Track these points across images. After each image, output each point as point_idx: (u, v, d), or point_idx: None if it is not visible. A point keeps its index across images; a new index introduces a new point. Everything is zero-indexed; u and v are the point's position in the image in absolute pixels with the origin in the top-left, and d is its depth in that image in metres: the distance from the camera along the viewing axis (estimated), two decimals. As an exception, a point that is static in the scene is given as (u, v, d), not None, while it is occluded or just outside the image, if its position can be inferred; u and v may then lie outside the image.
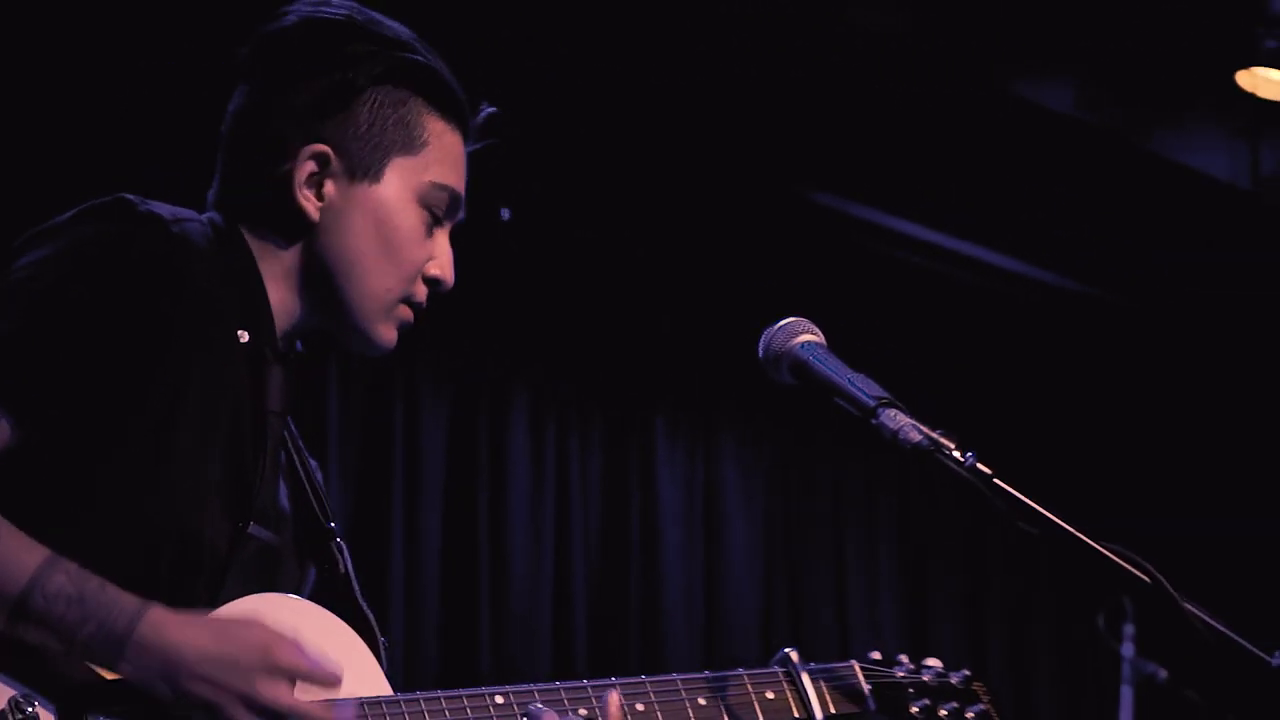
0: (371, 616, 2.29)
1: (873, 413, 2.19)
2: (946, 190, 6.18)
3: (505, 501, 5.95)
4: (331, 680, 2.07)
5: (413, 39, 2.33)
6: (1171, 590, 2.05)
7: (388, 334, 2.31)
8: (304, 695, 2.06)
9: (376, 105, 2.27)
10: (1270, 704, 2.08)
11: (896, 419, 2.17)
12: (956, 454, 2.13)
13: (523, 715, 2.23)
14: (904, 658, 2.53)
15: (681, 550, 6.32)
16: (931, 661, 2.53)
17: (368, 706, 2.15)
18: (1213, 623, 2.07)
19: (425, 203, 2.30)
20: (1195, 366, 6.99)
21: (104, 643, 1.98)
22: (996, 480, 2.12)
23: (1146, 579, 2.06)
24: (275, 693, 2.01)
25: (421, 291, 2.32)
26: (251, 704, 2.01)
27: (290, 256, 2.27)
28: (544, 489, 6.05)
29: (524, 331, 6.03)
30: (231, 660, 2.00)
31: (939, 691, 2.50)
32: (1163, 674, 2.00)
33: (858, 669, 2.48)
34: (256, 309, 2.24)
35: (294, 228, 2.26)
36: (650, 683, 2.35)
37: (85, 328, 2.05)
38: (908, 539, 6.91)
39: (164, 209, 2.17)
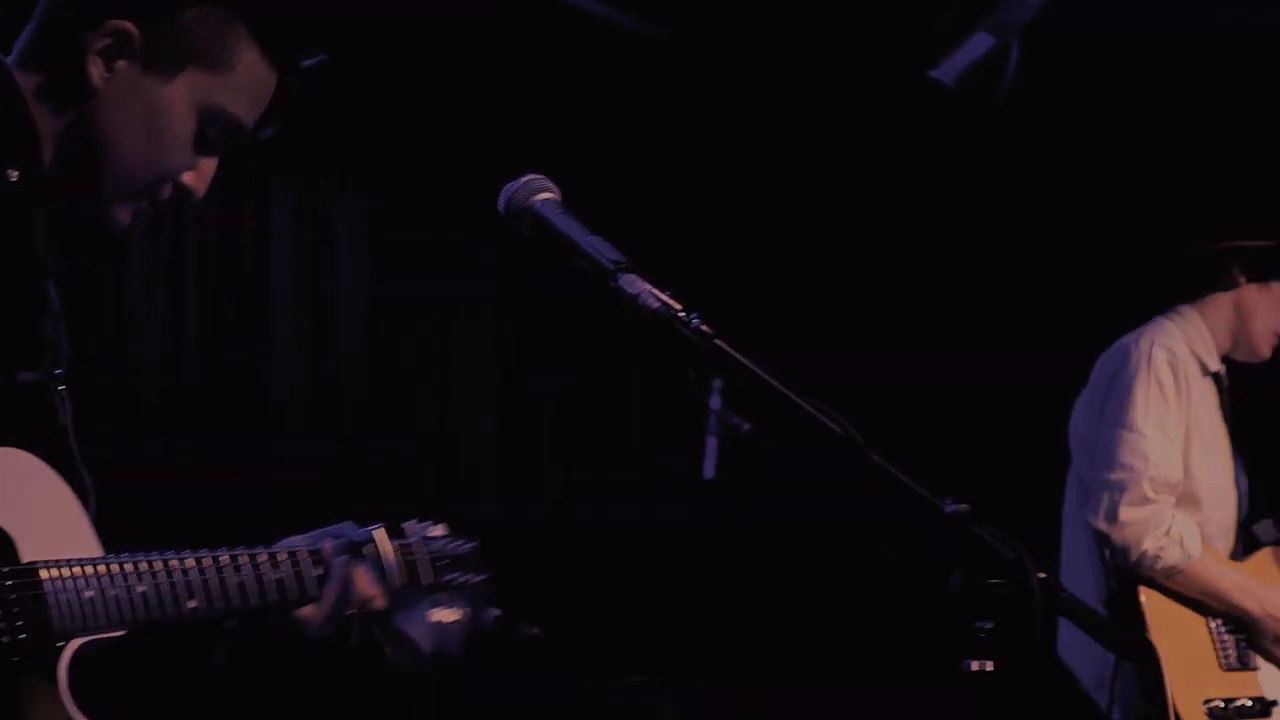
0: (85, 473, 2.38)
1: (612, 276, 2.35)
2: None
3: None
4: None
5: None
6: (861, 443, 2.30)
7: (123, 216, 2.41)
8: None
9: (201, 16, 2.37)
10: (945, 550, 2.35)
11: (635, 284, 2.34)
12: (684, 316, 2.33)
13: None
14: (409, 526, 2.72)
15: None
16: (437, 531, 2.74)
17: (58, 569, 2.26)
18: (896, 473, 2.33)
19: (204, 119, 2.41)
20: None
21: None
22: (717, 341, 2.33)
23: (840, 431, 2.31)
24: None
25: (166, 192, 2.43)
26: None
27: (64, 117, 2.37)
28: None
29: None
30: None
31: (449, 564, 2.72)
32: (746, 426, 2.23)
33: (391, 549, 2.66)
34: (27, 150, 2.33)
35: (76, 90, 2.36)
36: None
37: None
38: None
39: None
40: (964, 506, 2.31)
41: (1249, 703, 4.12)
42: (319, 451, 6.02)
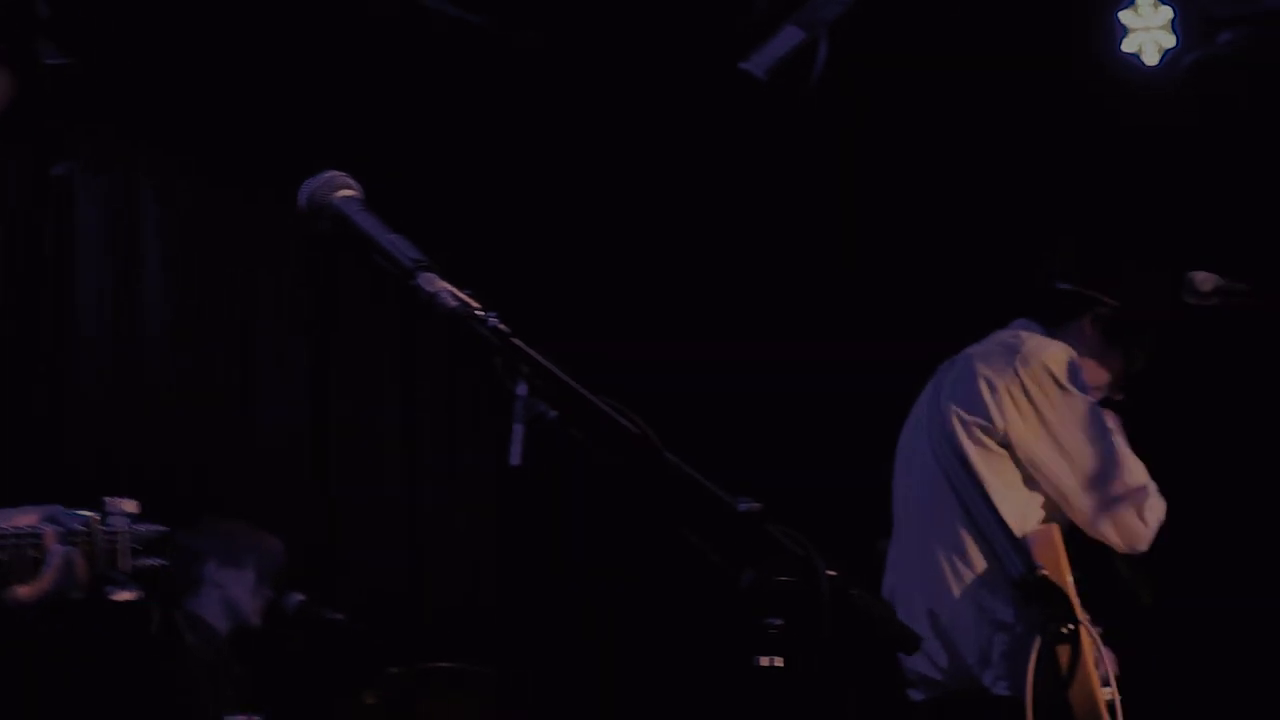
0: None
1: (411, 274, 2.37)
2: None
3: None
4: None
5: None
6: (656, 441, 2.34)
7: None
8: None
9: None
10: (740, 547, 2.40)
11: (433, 283, 2.36)
12: (481, 314, 2.35)
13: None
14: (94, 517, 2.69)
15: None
16: (130, 508, 2.72)
17: None
18: (691, 472, 2.37)
19: None
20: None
21: None
22: (514, 340, 2.35)
23: (636, 431, 2.34)
24: None
25: None
26: None
27: None
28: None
29: None
30: None
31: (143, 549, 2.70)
32: (552, 414, 2.27)
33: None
34: None
35: None
36: None
37: None
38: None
39: None
40: (756, 505, 2.36)
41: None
42: (122, 438, 5.94)
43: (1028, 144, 6.50)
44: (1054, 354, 4.29)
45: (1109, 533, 4.24)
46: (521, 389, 2.32)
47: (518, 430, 2.29)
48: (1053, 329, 4.43)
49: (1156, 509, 4.25)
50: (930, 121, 6.63)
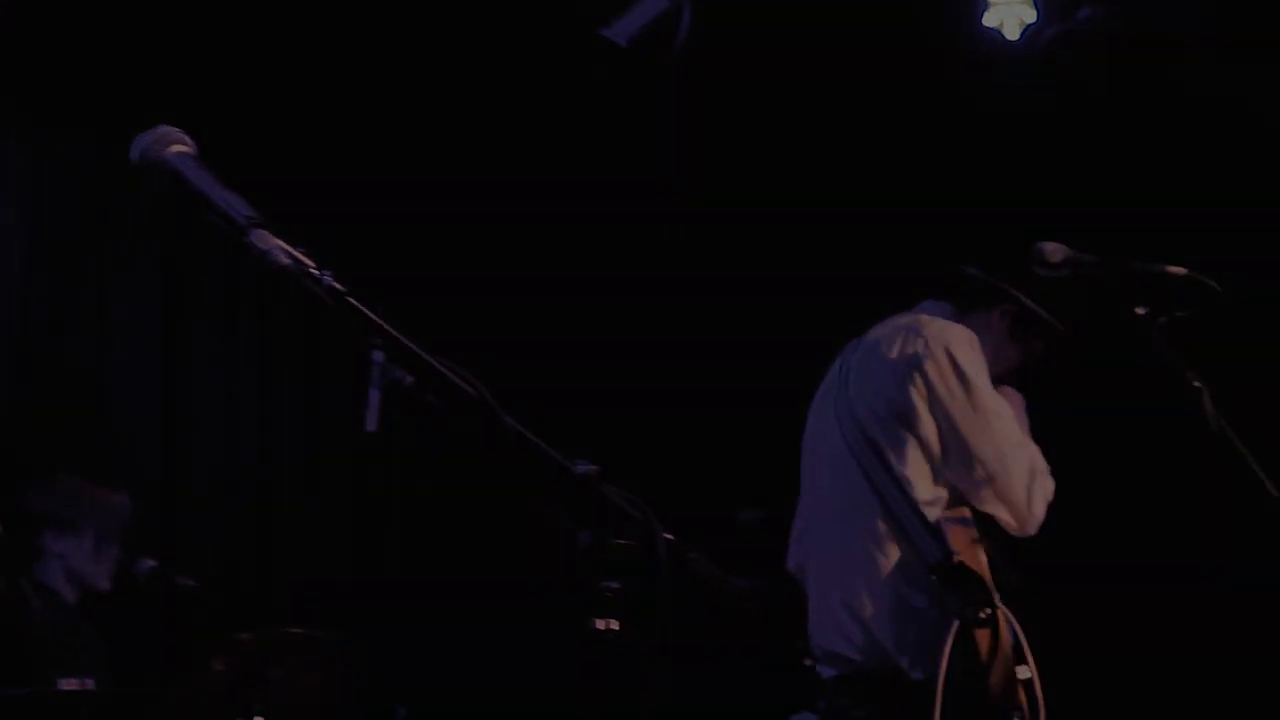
0: None
1: (244, 231, 2.33)
2: None
3: None
4: None
5: None
6: (494, 405, 2.32)
7: None
8: None
9: None
10: (580, 507, 2.38)
11: (266, 240, 2.32)
12: (315, 273, 2.31)
13: None
14: None
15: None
16: None
17: None
18: (529, 436, 2.35)
19: None
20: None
21: None
22: (349, 299, 2.31)
23: (473, 393, 2.32)
24: None
25: None
26: None
27: None
28: None
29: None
30: None
31: None
32: (409, 379, 2.26)
33: None
34: None
35: None
36: None
37: None
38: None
39: None
40: (594, 468, 2.35)
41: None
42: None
43: (885, 121, 6.53)
44: (955, 338, 4.29)
45: (1003, 514, 4.28)
46: (377, 355, 2.29)
47: (373, 396, 2.27)
48: (961, 314, 4.44)
49: (1048, 491, 4.30)
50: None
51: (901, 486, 4.20)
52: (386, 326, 2.31)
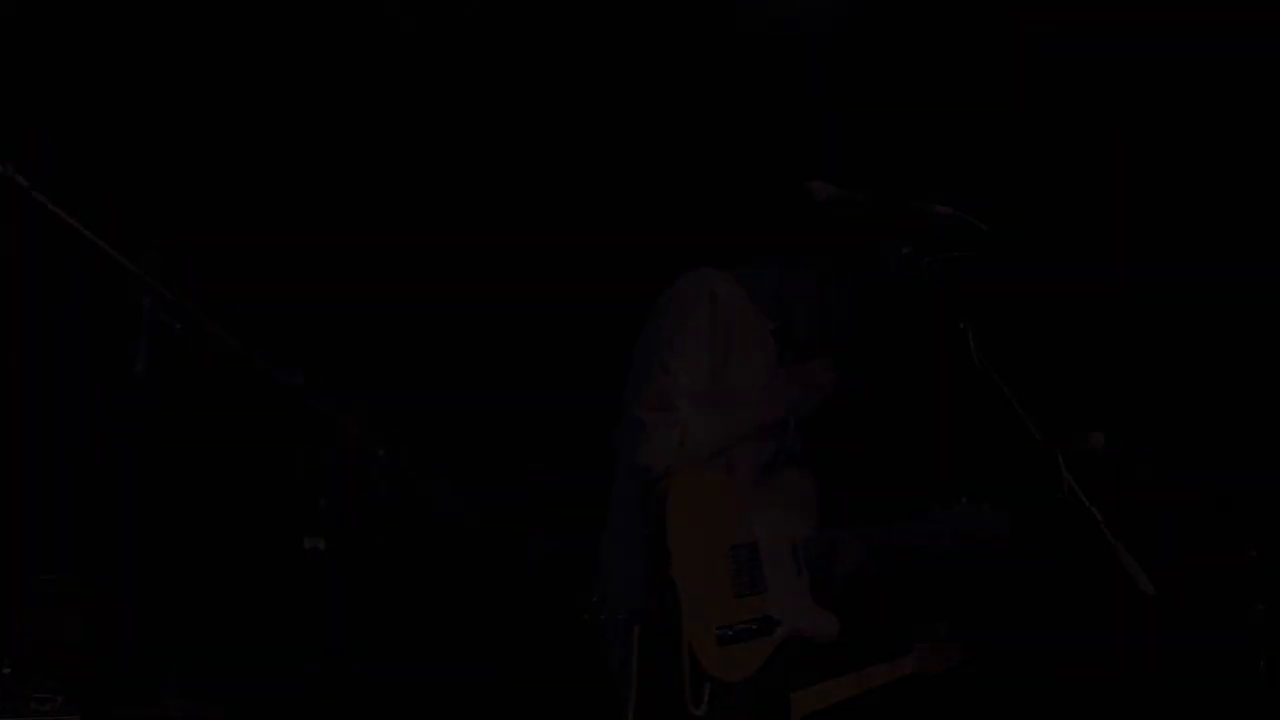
0: None
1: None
2: None
3: None
4: None
5: None
6: (193, 307, 2.22)
7: None
8: None
9: None
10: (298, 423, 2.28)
11: None
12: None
13: None
14: None
15: None
16: None
17: None
18: (236, 342, 2.24)
19: None
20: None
21: None
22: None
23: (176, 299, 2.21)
24: None
25: None
26: None
27: None
28: None
29: None
30: None
31: None
32: (178, 325, 2.16)
33: None
34: None
35: None
36: None
37: None
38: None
39: None
40: (299, 379, 2.24)
41: (754, 625, 4.14)
42: None
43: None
44: (681, 284, 4.19)
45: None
46: (146, 300, 2.20)
47: (141, 343, 2.18)
48: (743, 268, 4.33)
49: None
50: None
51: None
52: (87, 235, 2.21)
